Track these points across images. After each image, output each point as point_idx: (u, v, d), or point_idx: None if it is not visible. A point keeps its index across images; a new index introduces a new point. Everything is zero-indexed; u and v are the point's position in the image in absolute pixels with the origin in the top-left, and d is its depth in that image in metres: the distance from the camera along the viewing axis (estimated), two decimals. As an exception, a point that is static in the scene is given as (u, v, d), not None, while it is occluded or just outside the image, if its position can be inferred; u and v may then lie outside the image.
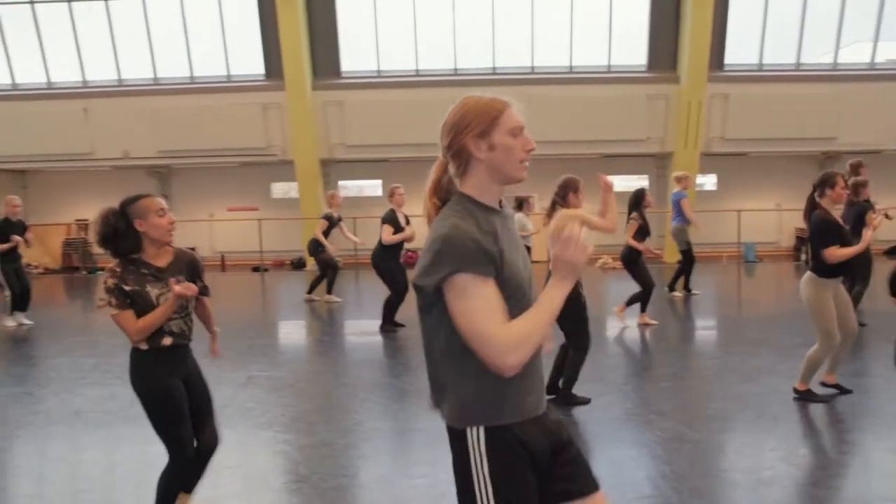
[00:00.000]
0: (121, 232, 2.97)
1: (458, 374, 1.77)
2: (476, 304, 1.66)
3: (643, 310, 7.87)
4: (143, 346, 2.98)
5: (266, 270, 15.79)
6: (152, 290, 2.95)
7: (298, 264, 16.21)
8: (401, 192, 7.84)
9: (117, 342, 5.49)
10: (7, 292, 8.93)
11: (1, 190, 17.34)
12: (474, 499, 1.76)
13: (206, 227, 17.14)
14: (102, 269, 16.84)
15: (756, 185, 16.43)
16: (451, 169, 1.83)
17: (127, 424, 4.69)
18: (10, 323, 8.82)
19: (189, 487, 3.21)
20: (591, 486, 1.90)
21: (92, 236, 3.52)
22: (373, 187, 17.26)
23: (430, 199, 1.87)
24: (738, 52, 14.97)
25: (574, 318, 4.76)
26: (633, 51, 15.00)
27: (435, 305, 1.74)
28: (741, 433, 4.47)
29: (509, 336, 1.66)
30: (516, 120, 1.79)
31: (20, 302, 8.94)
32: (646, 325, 7.82)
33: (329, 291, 10.30)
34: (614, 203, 5.12)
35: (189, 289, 2.94)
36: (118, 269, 2.96)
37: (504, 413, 1.77)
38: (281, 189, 17.49)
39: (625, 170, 16.63)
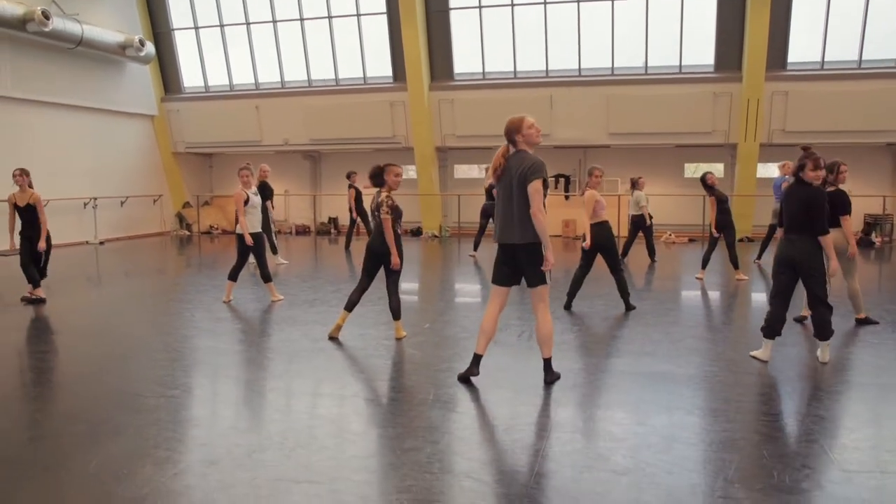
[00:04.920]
0: (379, 174, 6.31)
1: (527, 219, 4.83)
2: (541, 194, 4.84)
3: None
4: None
5: (389, 236, 19.26)
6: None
7: (416, 232, 19.61)
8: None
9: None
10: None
11: (194, 168, 22.19)
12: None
13: (346, 200, 20.88)
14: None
15: (827, 172, 17.67)
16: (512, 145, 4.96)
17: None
18: (281, 260, 13.12)
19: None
20: None
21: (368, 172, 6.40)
22: (480, 171, 20.34)
23: (502, 157, 5.00)
24: (802, 51, 16.36)
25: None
26: (702, 53, 16.85)
27: (525, 189, 4.80)
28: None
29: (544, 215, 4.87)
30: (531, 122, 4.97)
31: (274, 247, 12.46)
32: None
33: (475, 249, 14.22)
34: None
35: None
36: (390, 196, 6.33)
37: None
38: (404, 171, 20.88)
39: (702, 158, 18.65)
